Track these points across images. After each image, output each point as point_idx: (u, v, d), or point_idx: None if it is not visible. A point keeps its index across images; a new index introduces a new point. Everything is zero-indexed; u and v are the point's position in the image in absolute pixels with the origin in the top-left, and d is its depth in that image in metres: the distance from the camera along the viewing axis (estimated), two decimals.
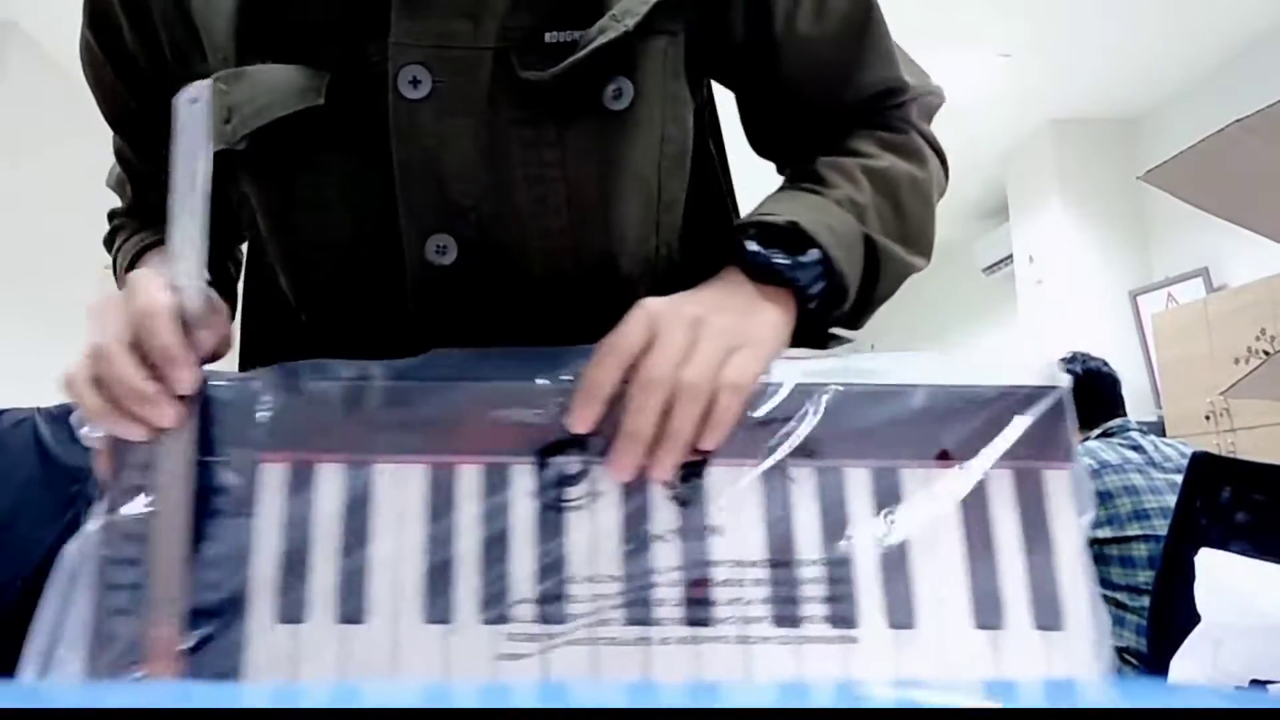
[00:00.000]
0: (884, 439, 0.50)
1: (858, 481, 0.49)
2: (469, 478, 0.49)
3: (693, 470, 0.49)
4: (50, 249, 3.86)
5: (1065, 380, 0.51)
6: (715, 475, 0.49)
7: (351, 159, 0.58)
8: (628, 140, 0.59)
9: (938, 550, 0.49)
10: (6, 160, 3.72)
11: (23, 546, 1.19)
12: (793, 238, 0.57)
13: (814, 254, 0.57)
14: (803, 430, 0.50)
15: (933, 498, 0.49)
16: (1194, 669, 0.52)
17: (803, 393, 0.50)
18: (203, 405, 0.49)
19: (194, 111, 0.54)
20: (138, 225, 0.74)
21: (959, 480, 0.49)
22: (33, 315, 3.71)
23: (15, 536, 1.19)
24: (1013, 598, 0.48)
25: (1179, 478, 0.77)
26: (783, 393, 0.50)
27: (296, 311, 0.64)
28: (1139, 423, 2.07)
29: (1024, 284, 5.34)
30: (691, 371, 0.49)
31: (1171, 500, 0.77)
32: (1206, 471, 0.74)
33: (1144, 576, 1.75)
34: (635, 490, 0.49)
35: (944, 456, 0.50)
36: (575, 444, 0.49)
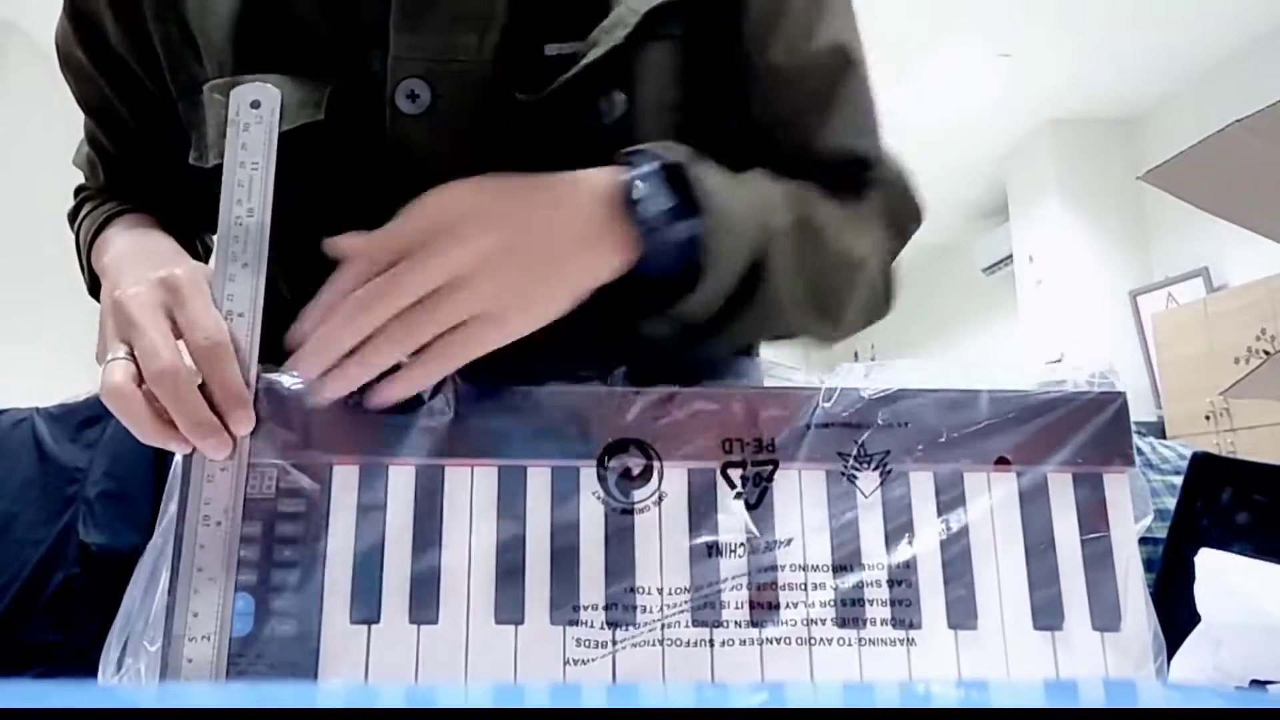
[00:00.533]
0: (947, 444, 0.51)
1: (921, 485, 0.50)
2: (538, 479, 0.50)
3: (758, 474, 0.50)
4: (49, 248, 3.87)
5: (1122, 385, 0.53)
6: (780, 478, 0.50)
7: (350, 169, 0.58)
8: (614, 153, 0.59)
9: (998, 552, 0.50)
10: (6, 160, 3.72)
11: (21, 547, 1.19)
12: (680, 188, 0.52)
13: (691, 224, 0.51)
14: (870, 439, 0.51)
15: (994, 501, 0.50)
16: (1194, 669, 0.52)
17: (871, 401, 0.51)
18: (276, 407, 0.49)
19: (254, 117, 0.52)
20: (105, 198, 0.73)
21: (1020, 483, 0.51)
22: (32, 315, 3.71)
23: (14, 537, 1.20)
24: (1072, 599, 0.49)
25: (1177, 479, 0.77)
26: (848, 398, 0.51)
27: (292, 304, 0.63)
28: (1138, 424, 2.07)
29: (1024, 284, 5.35)
30: (418, 316, 0.46)
31: (1169, 502, 0.77)
32: (1207, 472, 0.74)
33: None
34: (701, 492, 0.50)
35: (1004, 462, 0.51)
36: (636, 444, 0.50)
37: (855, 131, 0.64)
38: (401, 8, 0.55)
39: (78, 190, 0.77)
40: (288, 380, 0.50)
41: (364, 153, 0.57)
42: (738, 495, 0.50)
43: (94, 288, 0.70)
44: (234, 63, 0.58)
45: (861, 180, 0.64)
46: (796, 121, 0.63)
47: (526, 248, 0.48)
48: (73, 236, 0.74)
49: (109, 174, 0.73)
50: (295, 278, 0.62)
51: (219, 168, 0.58)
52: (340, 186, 0.59)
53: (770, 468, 0.50)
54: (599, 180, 0.51)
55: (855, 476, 0.50)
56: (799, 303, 0.58)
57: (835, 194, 0.62)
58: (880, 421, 0.51)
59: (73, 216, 0.75)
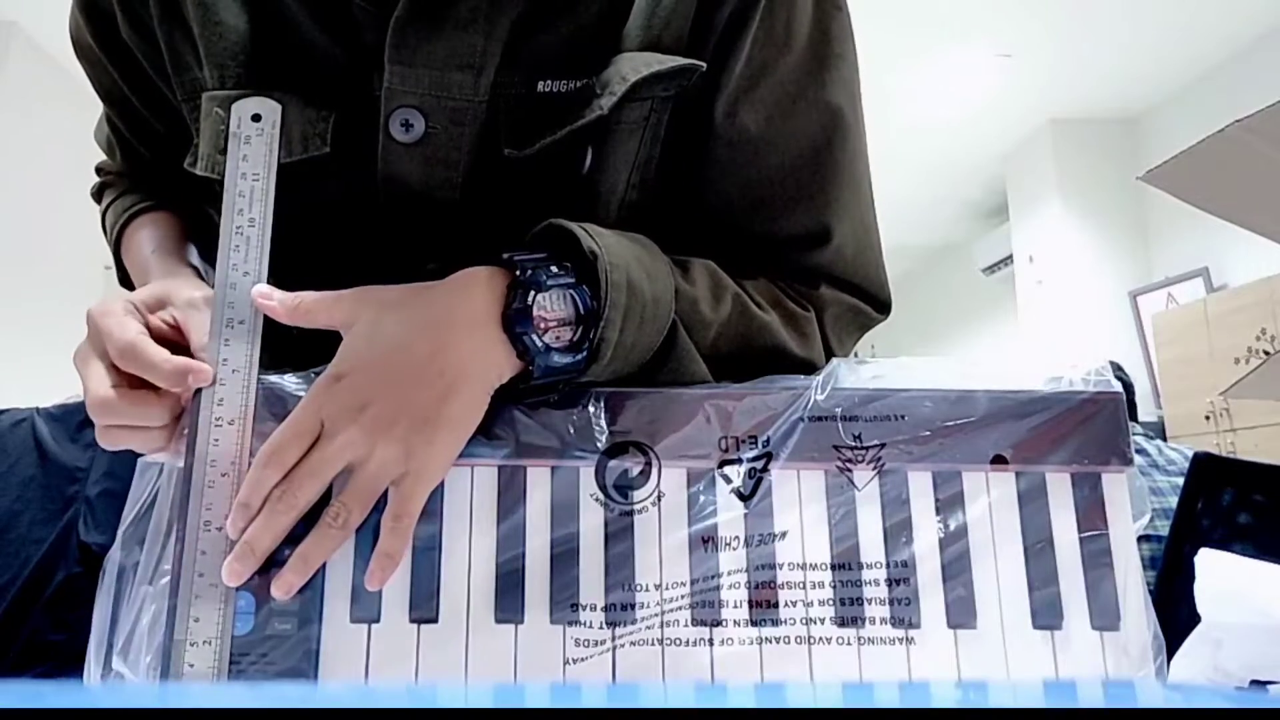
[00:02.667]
0: (945, 442, 0.51)
1: (919, 484, 0.50)
2: (538, 479, 0.50)
3: (753, 468, 0.50)
4: (50, 248, 3.87)
5: (1119, 385, 0.52)
6: (779, 477, 0.50)
7: (354, 185, 0.58)
8: (588, 198, 0.59)
9: (997, 552, 0.50)
10: (6, 160, 3.72)
11: (22, 546, 1.19)
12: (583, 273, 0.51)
13: (578, 360, 0.49)
14: (865, 433, 0.51)
15: (993, 500, 0.50)
16: (1194, 669, 0.52)
17: (865, 397, 0.51)
18: (277, 409, 0.49)
19: (255, 130, 0.52)
20: (127, 185, 0.74)
21: (1018, 483, 0.50)
22: (32, 315, 3.71)
23: (14, 536, 1.20)
24: (1071, 599, 0.49)
25: (1180, 480, 0.77)
26: (846, 396, 0.51)
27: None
28: (1140, 424, 2.08)
29: (1024, 284, 5.35)
30: (348, 496, 0.47)
31: (1173, 502, 0.77)
32: (1208, 472, 0.74)
33: (1145, 576, 1.75)
34: (700, 493, 0.50)
35: (1002, 460, 0.51)
36: (634, 445, 0.50)
37: (817, 212, 0.62)
38: (398, 41, 0.55)
39: (99, 168, 0.77)
40: (288, 383, 0.50)
41: (359, 182, 0.57)
42: (734, 491, 0.50)
43: (124, 281, 0.72)
44: (241, 78, 0.58)
45: (816, 270, 0.62)
46: (750, 197, 0.61)
47: (413, 400, 0.47)
48: (97, 218, 0.76)
49: (125, 157, 0.74)
50: (288, 286, 0.62)
51: (208, 179, 0.58)
52: (336, 216, 0.59)
53: (765, 460, 0.50)
54: (482, 306, 0.50)
55: (849, 470, 0.50)
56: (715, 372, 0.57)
57: (781, 285, 0.61)
58: (874, 415, 0.51)
59: (96, 195, 0.76)
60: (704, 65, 0.57)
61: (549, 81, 0.56)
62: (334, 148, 0.56)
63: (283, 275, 0.53)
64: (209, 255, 0.68)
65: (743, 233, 0.62)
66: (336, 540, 0.47)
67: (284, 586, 0.46)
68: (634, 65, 0.56)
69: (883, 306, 0.66)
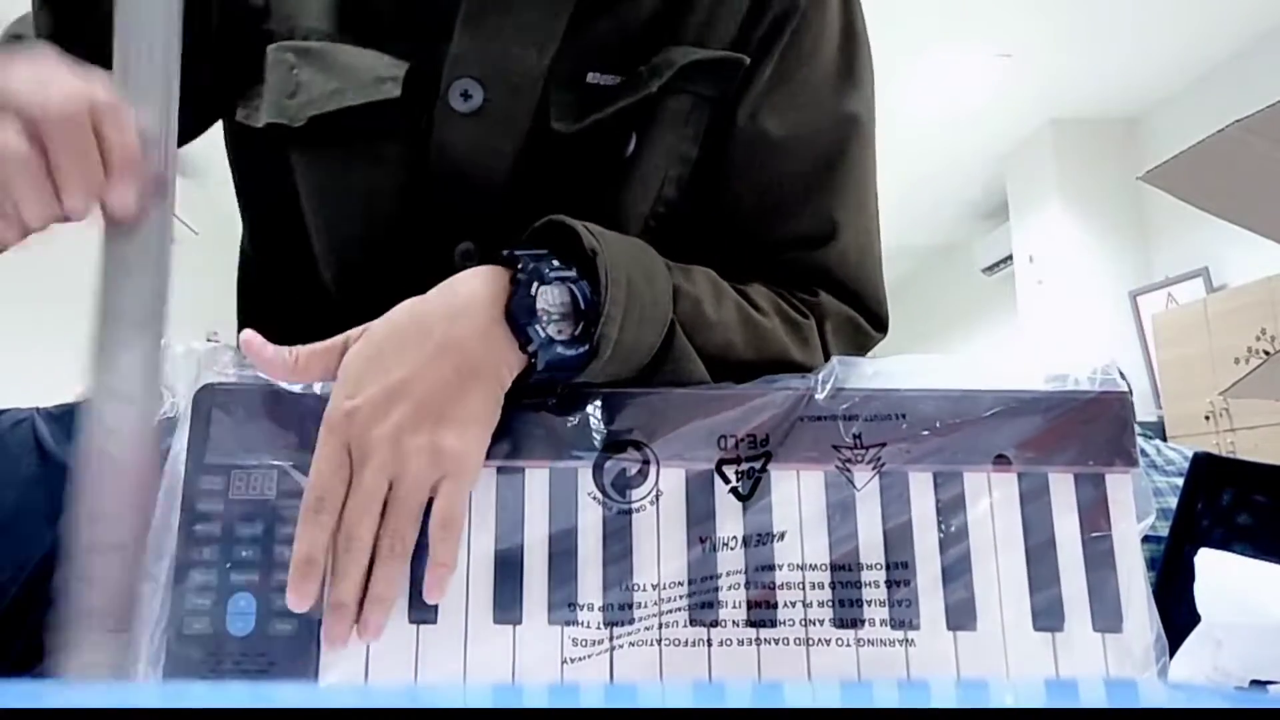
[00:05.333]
0: (946, 442, 0.50)
1: (919, 484, 0.50)
2: (536, 480, 0.50)
3: (752, 467, 0.50)
4: (50, 249, 3.86)
5: (1125, 384, 0.52)
6: (778, 477, 0.50)
7: (410, 151, 0.59)
8: (626, 186, 0.60)
9: (998, 553, 0.49)
10: None
11: (22, 546, 1.19)
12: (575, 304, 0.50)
13: (582, 353, 0.49)
14: (865, 433, 0.50)
15: (994, 501, 0.50)
16: (1194, 669, 0.51)
17: (864, 396, 0.51)
18: (269, 410, 0.49)
19: None
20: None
21: (1021, 484, 0.50)
22: (31, 314, 3.71)
23: (15, 536, 1.19)
24: (1073, 601, 0.49)
25: (1180, 480, 0.77)
26: (846, 396, 0.51)
27: (322, 287, 0.63)
28: (1140, 424, 2.08)
29: (1024, 284, 5.34)
30: (396, 521, 0.46)
31: (1173, 502, 0.77)
32: (1208, 472, 0.74)
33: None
34: (697, 491, 0.50)
35: (1004, 460, 0.50)
36: (632, 444, 0.50)
37: (825, 213, 0.63)
38: (470, 11, 0.56)
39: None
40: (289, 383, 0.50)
41: (412, 147, 0.58)
42: (732, 490, 0.50)
43: None
44: (319, 31, 0.59)
45: (817, 273, 0.63)
46: (765, 200, 0.62)
47: (430, 405, 0.47)
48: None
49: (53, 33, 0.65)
50: (343, 279, 0.63)
51: (270, 125, 0.58)
52: (383, 182, 0.60)
53: (764, 460, 0.50)
54: (485, 301, 0.49)
55: (849, 470, 0.50)
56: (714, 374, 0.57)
57: (782, 292, 0.61)
58: (874, 415, 0.51)
59: None
60: (747, 60, 0.60)
61: (598, 74, 0.58)
62: (403, 95, 0.57)
63: (336, 241, 0.52)
64: None
65: (748, 235, 0.63)
66: (400, 567, 0.46)
67: (373, 630, 0.45)
68: (684, 53, 0.59)
69: (880, 324, 0.66)
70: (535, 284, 0.49)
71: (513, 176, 0.59)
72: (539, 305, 0.49)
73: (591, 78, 0.58)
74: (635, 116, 0.59)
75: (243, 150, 0.66)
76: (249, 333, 0.49)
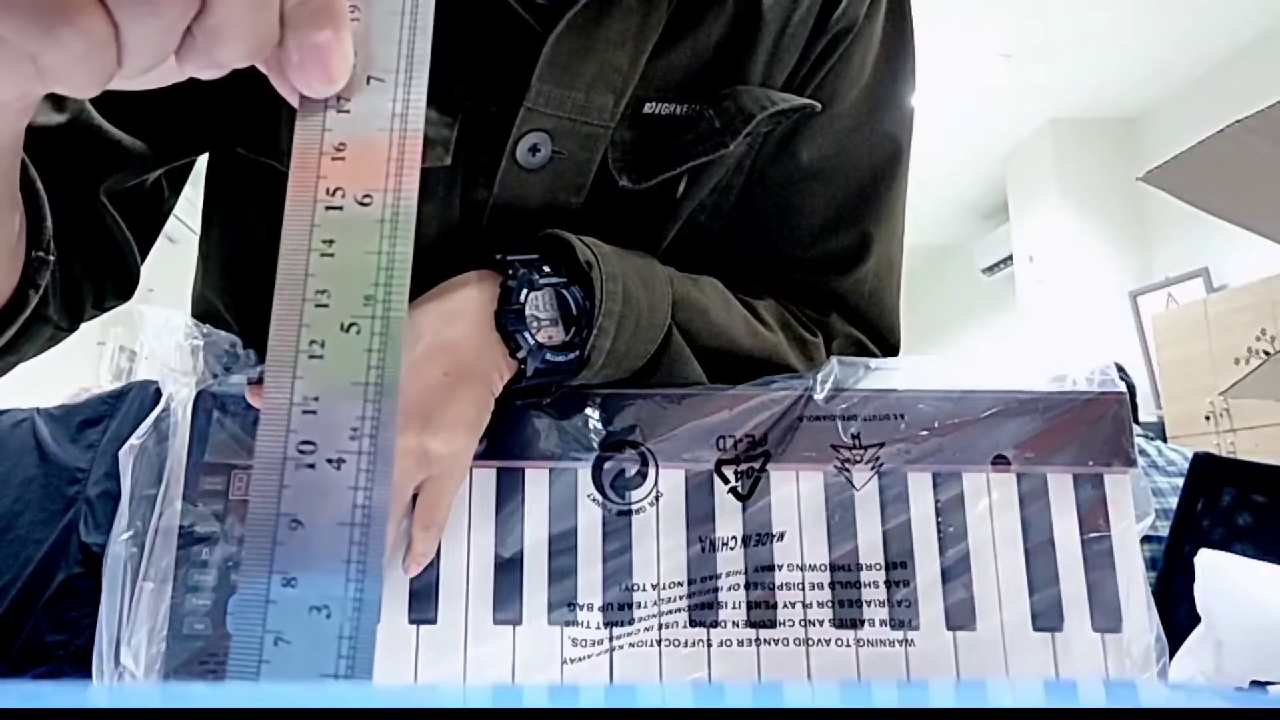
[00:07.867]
0: (945, 442, 0.50)
1: (919, 485, 0.50)
2: (535, 481, 0.50)
3: (751, 467, 0.50)
4: None
5: (1124, 385, 0.52)
6: (777, 478, 0.50)
7: (453, 192, 0.55)
8: (669, 220, 0.59)
9: (998, 553, 0.49)
10: None
11: (22, 547, 1.19)
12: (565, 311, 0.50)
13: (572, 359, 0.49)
14: (864, 433, 0.50)
15: (993, 501, 0.50)
16: (1194, 669, 0.52)
17: (863, 397, 0.51)
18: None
19: None
20: None
21: (1020, 484, 0.50)
22: None
23: (14, 537, 1.20)
24: (1072, 601, 0.49)
25: (1180, 481, 0.77)
26: (845, 396, 0.51)
27: None
28: (1140, 425, 2.08)
29: (1024, 284, 5.34)
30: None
31: (1173, 502, 0.77)
32: (1208, 472, 0.74)
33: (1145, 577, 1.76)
34: (697, 491, 0.50)
35: (1003, 461, 0.50)
36: (631, 445, 0.50)
37: (849, 239, 0.62)
38: (553, 57, 0.50)
39: None
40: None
41: (467, 202, 0.54)
42: (731, 490, 0.50)
43: None
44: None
45: (831, 298, 0.63)
46: (797, 220, 0.62)
47: (419, 407, 0.47)
48: None
49: None
50: None
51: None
52: (439, 233, 0.55)
53: (763, 460, 0.50)
54: (475, 306, 0.49)
55: (848, 470, 0.50)
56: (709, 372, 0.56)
57: (790, 308, 0.61)
58: (873, 415, 0.51)
59: None
60: (819, 106, 0.57)
61: (655, 104, 0.55)
62: (453, 161, 0.52)
63: None
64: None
65: (768, 251, 0.62)
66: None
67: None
68: (756, 101, 0.55)
69: (890, 350, 0.66)
70: (525, 290, 0.49)
71: (567, 222, 0.56)
72: (528, 311, 0.49)
73: (648, 108, 0.55)
74: (700, 167, 0.56)
75: (243, 173, 0.60)
76: (254, 386, 0.49)
